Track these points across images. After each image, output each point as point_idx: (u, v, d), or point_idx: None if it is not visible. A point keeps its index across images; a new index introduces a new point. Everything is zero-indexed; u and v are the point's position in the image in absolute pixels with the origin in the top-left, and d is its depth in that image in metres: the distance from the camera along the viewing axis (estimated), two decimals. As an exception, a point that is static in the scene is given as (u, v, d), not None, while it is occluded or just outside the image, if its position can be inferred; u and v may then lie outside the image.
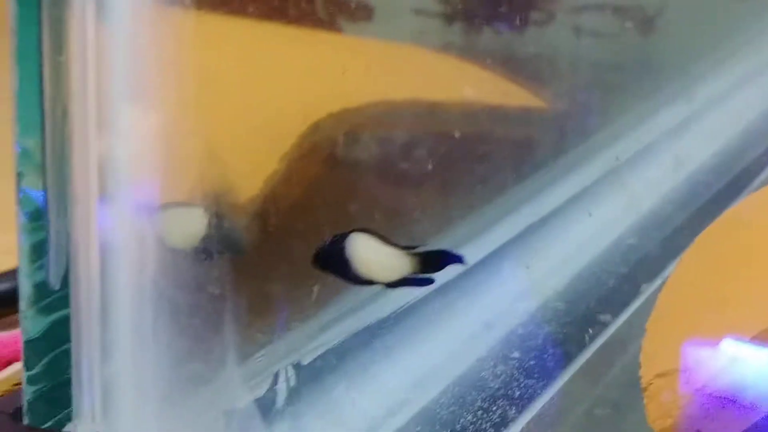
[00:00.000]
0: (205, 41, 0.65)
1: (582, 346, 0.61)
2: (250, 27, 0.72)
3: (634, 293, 0.65)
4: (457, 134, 0.71)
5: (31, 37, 0.42)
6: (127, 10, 0.44)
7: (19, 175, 0.44)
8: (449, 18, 0.94)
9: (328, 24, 0.83)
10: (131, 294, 0.45)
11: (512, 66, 0.89)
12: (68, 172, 0.44)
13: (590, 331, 0.62)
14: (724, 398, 0.50)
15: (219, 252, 0.52)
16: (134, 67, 0.45)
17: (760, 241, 0.57)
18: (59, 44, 0.43)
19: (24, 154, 0.44)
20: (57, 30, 0.43)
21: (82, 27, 0.43)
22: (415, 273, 0.50)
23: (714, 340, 0.52)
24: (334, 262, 0.50)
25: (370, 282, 0.50)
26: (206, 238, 0.51)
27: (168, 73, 0.52)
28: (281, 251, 0.59)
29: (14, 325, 0.75)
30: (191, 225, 0.51)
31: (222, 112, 0.62)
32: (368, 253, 0.51)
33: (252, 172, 0.64)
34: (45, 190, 0.45)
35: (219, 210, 0.52)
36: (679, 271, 0.58)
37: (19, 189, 0.44)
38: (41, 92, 0.43)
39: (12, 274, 0.80)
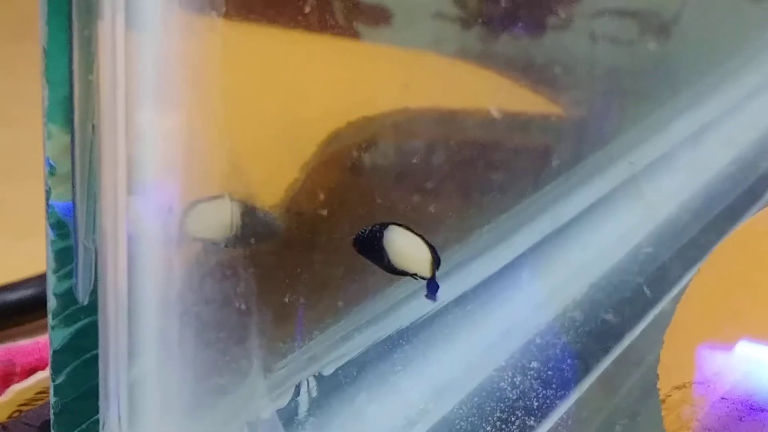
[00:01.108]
0: (229, 50, 0.65)
1: (599, 357, 0.62)
2: (272, 35, 0.72)
3: (652, 303, 0.66)
4: (475, 142, 0.72)
5: (61, 57, 0.43)
6: (156, 21, 0.45)
7: (48, 192, 0.45)
8: (467, 22, 0.94)
9: (348, 30, 0.83)
10: (158, 307, 0.46)
11: (529, 71, 0.89)
12: (97, 187, 0.45)
13: (608, 341, 0.63)
14: (743, 409, 0.51)
15: (254, 240, 0.53)
16: (163, 78, 0.46)
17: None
18: (89, 64, 0.43)
19: (52, 171, 0.44)
20: (87, 50, 0.43)
21: (111, 38, 0.44)
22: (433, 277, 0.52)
23: (731, 351, 0.53)
24: (371, 249, 0.54)
25: (402, 273, 0.54)
26: (240, 227, 0.51)
27: (195, 84, 0.52)
28: (303, 261, 0.59)
29: (35, 332, 0.76)
30: (223, 216, 0.51)
31: (245, 121, 0.62)
32: (403, 245, 0.54)
33: (273, 181, 0.65)
34: (73, 204, 0.45)
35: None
36: (697, 282, 0.58)
37: (48, 204, 0.45)
38: (71, 110, 0.44)
39: (33, 281, 0.81)
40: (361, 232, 0.56)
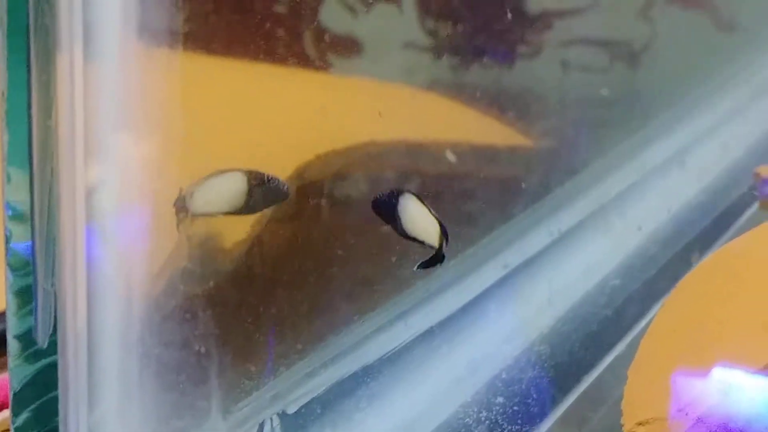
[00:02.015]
0: (191, 83, 0.65)
1: (566, 391, 0.62)
2: (237, 68, 0.72)
3: (618, 336, 0.66)
4: (442, 175, 0.72)
5: (20, 101, 0.43)
6: (114, 53, 0.45)
7: (8, 235, 0.45)
8: (438, 52, 0.94)
9: (317, 62, 0.84)
10: (118, 349, 0.46)
11: (500, 101, 0.90)
12: (56, 230, 0.45)
13: (574, 375, 0.63)
14: None
15: (265, 205, 0.54)
16: (122, 114, 0.46)
17: (740, 287, 0.58)
18: (48, 108, 0.43)
19: (12, 214, 0.44)
20: (46, 93, 0.43)
21: (70, 71, 0.44)
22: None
23: (695, 388, 0.53)
24: (386, 212, 0.57)
25: (413, 239, 0.57)
26: (249, 196, 0.52)
27: (156, 120, 0.52)
28: (266, 299, 0.59)
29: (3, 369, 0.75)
30: (233, 187, 0.52)
31: (208, 156, 0.62)
32: (415, 213, 0.57)
33: (237, 217, 0.65)
34: (33, 247, 0.45)
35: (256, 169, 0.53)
36: (661, 317, 0.59)
37: (7, 248, 0.45)
38: (30, 154, 0.44)
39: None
40: (379, 196, 0.58)
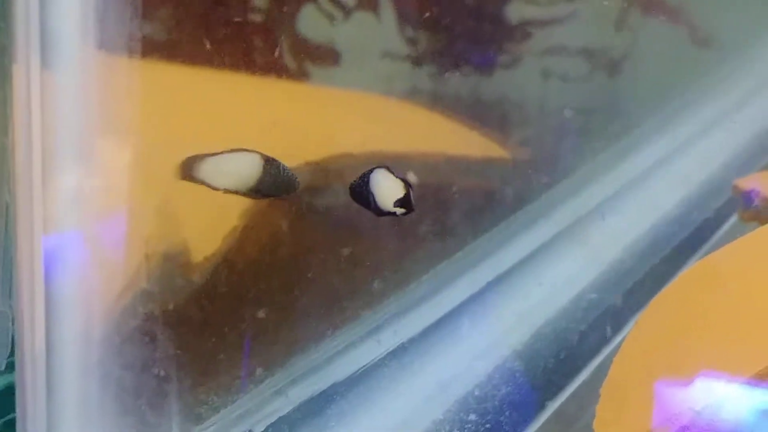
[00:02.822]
0: (160, 94, 0.64)
1: (539, 408, 0.61)
2: (209, 78, 0.72)
3: (594, 352, 0.65)
4: (417, 187, 0.71)
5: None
6: (73, 63, 0.44)
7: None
8: (418, 61, 0.94)
9: (294, 72, 0.83)
10: (77, 372, 0.45)
11: (479, 110, 0.89)
12: (13, 252, 0.44)
13: (548, 392, 0.62)
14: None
15: (273, 193, 0.53)
16: (81, 128, 0.45)
17: (720, 300, 0.57)
18: (3, 127, 0.43)
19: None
20: (2, 111, 0.43)
21: (26, 82, 0.43)
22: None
23: (667, 408, 0.52)
24: (361, 195, 0.56)
25: (387, 213, 0.56)
26: (261, 180, 0.52)
27: (118, 131, 0.51)
28: (235, 316, 0.59)
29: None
30: (247, 168, 0.52)
31: (172, 172, 0.61)
32: (384, 186, 0.56)
33: (209, 230, 0.64)
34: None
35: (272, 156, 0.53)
36: (634, 334, 0.58)
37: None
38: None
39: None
40: (354, 182, 0.57)
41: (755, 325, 0.54)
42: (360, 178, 0.55)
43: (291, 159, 0.68)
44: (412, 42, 0.95)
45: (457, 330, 0.64)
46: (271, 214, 0.66)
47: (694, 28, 0.96)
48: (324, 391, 0.57)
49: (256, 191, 0.51)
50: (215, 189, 0.51)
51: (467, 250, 0.69)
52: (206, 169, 0.50)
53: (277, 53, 0.83)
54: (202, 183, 0.51)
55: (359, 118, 0.74)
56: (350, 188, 0.56)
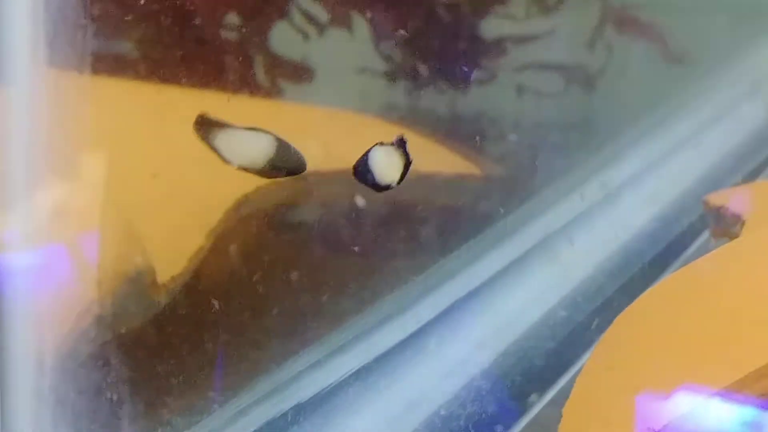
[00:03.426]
0: (121, 110, 0.64)
1: (505, 427, 0.61)
2: (179, 96, 0.71)
3: (562, 371, 0.65)
4: (385, 204, 0.71)
5: None
6: (25, 79, 0.44)
7: None
8: (393, 77, 0.94)
9: (267, 89, 0.83)
10: (30, 397, 0.45)
11: (453, 126, 0.89)
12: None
13: (514, 411, 0.62)
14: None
15: (284, 172, 0.54)
16: (33, 146, 0.45)
17: (681, 319, 0.57)
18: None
19: None
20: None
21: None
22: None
23: (631, 426, 0.52)
24: (363, 175, 0.56)
25: (386, 188, 0.56)
26: (272, 161, 0.53)
27: (77, 150, 0.51)
28: (200, 334, 0.58)
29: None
30: (259, 147, 0.53)
31: (140, 186, 0.61)
32: (382, 161, 0.56)
33: (175, 249, 0.64)
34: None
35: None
36: (598, 352, 0.58)
37: None
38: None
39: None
40: (357, 162, 0.57)
41: (722, 339, 0.54)
42: (361, 158, 0.56)
43: (259, 178, 0.68)
44: (387, 58, 0.95)
45: (424, 349, 0.63)
46: (237, 233, 0.66)
47: (667, 46, 0.96)
48: (287, 412, 0.56)
49: (266, 170, 0.51)
50: (227, 163, 0.52)
51: (436, 267, 0.69)
52: (222, 140, 0.50)
53: (249, 70, 0.83)
54: (216, 152, 0.51)
55: (331, 135, 0.74)
56: (354, 169, 0.56)
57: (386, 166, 0.54)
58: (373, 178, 0.54)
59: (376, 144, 0.55)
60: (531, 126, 0.93)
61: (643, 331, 0.57)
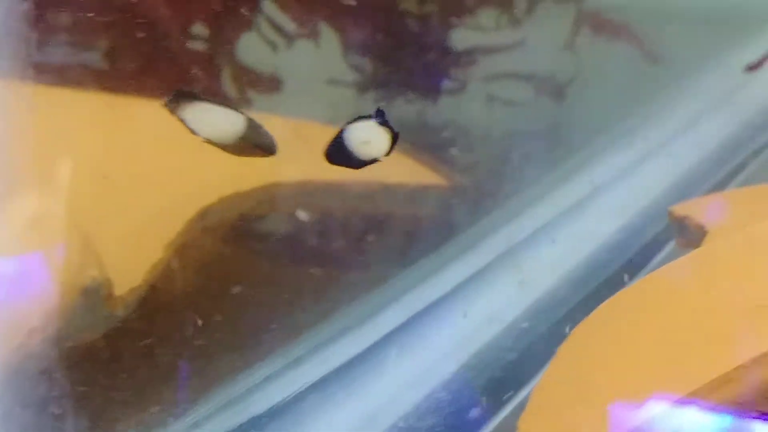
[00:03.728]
0: (81, 122, 0.64)
1: (464, 440, 0.61)
2: (139, 107, 0.71)
3: (523, 383, 0.65)
4: (347, 215, 0.71)
5: None
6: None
7: None
8: (363, 87, 0.94)
9: (234, 100, 0.83)
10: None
11: (422, 136, 0.89)
12: None
13: (474, 423, 0.62)
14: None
15: (253, 151, 0.53)
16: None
17: (633, 335, 0.57)
18: None
19: None
20: None
21: None
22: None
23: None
24: (341, 156, 0.54)
25: (372, 161, 0.54)
26: (243, 137, 0.52)
27: (32, 160, 0.51)
28: (154, 347, 0.58)
29: None
30: (229, 122, 0.52)
31: (96, 198, 0.61)
32: (361, 136, 0.53)
33: (133, 262, 0.64)
34: None
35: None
36: (553, 365, 0.57)
37: None
38: None
39: None
40: (328, 145, 0.55)
41: (679, 349, 0.54)
42: (334, 140, 0.54)
43: (221, 190, 0.67)
44: (357, 69, 0.95)
45: (384, 360, 0.63)
46: (197, 245, 0.65)
47: (644, 46, 0.96)
48: (243, 425, 0.56)
49: (235, 146, 0.51)
50: (194, 134, 0.51)
51: (397, 278, 0.69)
52: (192, 112, 0.49)
53: (216, 80, 0.83)
54: (183, 123, 0.51)
55: (296, 146, 0.74)
56: (326, 152, 0.55)
57: (368, 142, 0.53)
58: (354, 157, 0.53)
59: (349, 123, 0.54)
60: (500, 136, 0.93)
61: (599, 343, 0.57)
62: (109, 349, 0.57)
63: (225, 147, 0.53)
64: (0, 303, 0.47)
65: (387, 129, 0.52)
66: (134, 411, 0.55)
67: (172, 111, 0.52)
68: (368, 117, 0.53)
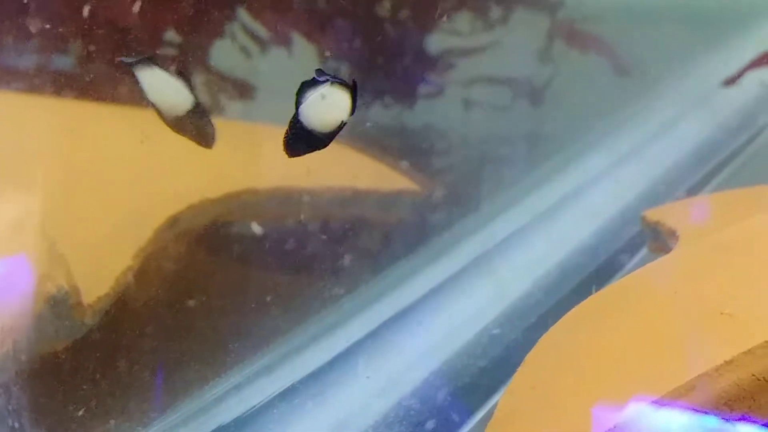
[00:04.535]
0: (49, 128, 0.64)
1: (433, 447, 0.60)
2: (108, 114, 0.71)
3: (493, 390, 0.64)
4: (318, 222, 0.70)
5: None
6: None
7: None
8: (339, 92, 0.93)
9: (206, 106, 0.82)
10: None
11: (398, 141, 0.88)
12: None
13: (443, 429, 0.61)
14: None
15: (190, 132, 0.53)
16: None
17: (601, 341, 0.57)
18: None
19: None
20: None
21: None
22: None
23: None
24: (301, 142, 0.51)
25: (340, 126, 0.50)
26: (185, 116, 0.53)
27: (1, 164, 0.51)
28: (119, 356, 0.58)
29: None
30: (178, 98, 0.53)
31: (65, 206, 0.60)
32: (320, 108, 0.50)
33: (101, 270, 0.63)
34: None
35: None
36: (522, 371, 0.57)
37: None
38: None
39: None
40: (285, 135, 0.52)
41: (646, 354, 0.54)
42: (290, 127, 0.52)
43: (191, 197, 0.67)
44: (334, 73, 0.94)
45: (353, 369, 0.63)
46: (166, 253, 0.65)
47: (616, 58, 0.96)
48: (210, 436, 0.56)
49: (175, 122, 0.51)
50: (144, 96, 0.51)
51: (367, 286, 0.68)
52: (149, 74, 0.49)
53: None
54: (137, 81, 0.50)
55: (268, 152, 0.74)
56: (285, 142, 0.52)
57: (328, 108, 0.50)
58: (318, 135, 0.50)
59: (300, 98, 0.51)
60: (477, 140, 0.93)
61: (568, 349, 0.57)
62: (75, 358, 0.57)
63: (166, 119, 0.52)
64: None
65: (342, 85, 0.50)
66: (99, 423, 0.55)
67: (130, 65, 0.51)
68: (315, 83, 0.51)
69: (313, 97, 0.49)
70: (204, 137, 0.54)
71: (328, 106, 0.50)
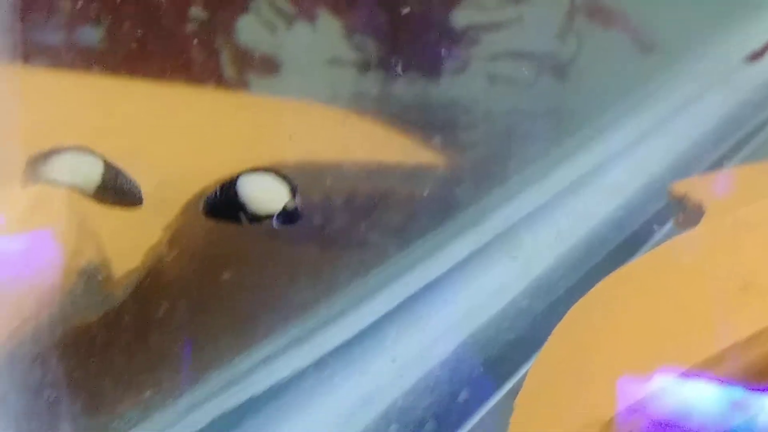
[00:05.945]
0: (79, 102, 0.64)
1: (462, 419, 0.61)
2: (137, 89, 0.71)
3: (521, 362, 0.65)
4: (345, 196, 0.71)
5: None
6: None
7: None
8: (365, 66, 0.94)
9: (233, 82, 0.82)
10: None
11: (423, 116, 0.89)
12: None
13: (472, 402, 0.62)
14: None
15: (114, 202, 0.52)
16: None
17: (631, 313, 0.57)
18: None
19: None
20: None
21: None
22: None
23: (580, 420, 0.52)
24: (226, 210, 0.53)
25: (266, 217, 0.52)
26: (102, 188, 0.52)
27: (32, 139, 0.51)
28: (152, 328, 0.58)
29: None
30: (88, 171, 0.52)
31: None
32: (258, 189, 0.53)
33: (131, 244, 0.64)
34: None
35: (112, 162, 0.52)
36: (550, 344, 0.58)
37: None
38: None
39: None
40: (211, 196, 0.53)
41: (675, 327, 0.54)
42: (220, 192, 0.52)
43: (219, 171, 0.67)
44: (358, 49, 0.94)
45: (382, 341, 0.63)
46: (196, 227, 0.66)
47: (639, 34, 0.96)
48: (241, 405, 0.56)
49: (95, 196, 0.50)
50: (59, 186, 0.51)
51: (394, 259, 0.69)
52: (53, 165, 0.49)
53: (214, 62, 0.83)
54: (50, 183, 0.50)
55: (293, 126, 0.74)
56: (205, 206, 0.52)
57: (265, 193, 0.51)
58: (251, 212, 0.51)
59: (239, 175, 0.51)
60: (501, 115, 0.93)
61: (596, 321, 0.57)
62: (107, 332, 0.57)
63: (89, 195, 0.52)
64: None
65: (285, 181, 0.50)
66: (132, 393, 0.56)
67: (31, 178, 0.51)
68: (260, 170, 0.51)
69: (257, 176, 0.49)
70: (130, 196, 0.53)
71: (267, 189, 0.51)
